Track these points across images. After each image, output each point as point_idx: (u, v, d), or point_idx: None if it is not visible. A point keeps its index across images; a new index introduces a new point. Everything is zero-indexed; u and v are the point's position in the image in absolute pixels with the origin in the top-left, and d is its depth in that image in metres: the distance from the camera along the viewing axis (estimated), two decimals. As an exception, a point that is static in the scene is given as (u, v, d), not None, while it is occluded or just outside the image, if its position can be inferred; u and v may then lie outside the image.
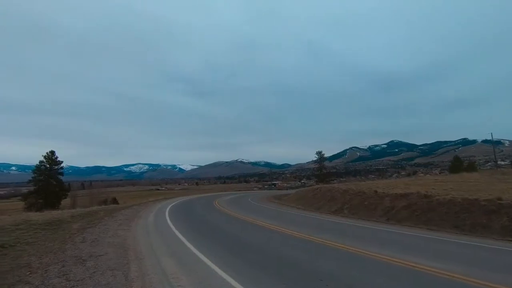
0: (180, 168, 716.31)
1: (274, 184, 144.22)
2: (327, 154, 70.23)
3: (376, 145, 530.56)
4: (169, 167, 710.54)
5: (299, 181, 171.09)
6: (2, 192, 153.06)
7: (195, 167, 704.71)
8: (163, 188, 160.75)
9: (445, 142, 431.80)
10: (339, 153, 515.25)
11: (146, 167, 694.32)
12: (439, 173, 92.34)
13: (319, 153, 61.30)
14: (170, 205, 23.56)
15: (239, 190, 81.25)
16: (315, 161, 62.45)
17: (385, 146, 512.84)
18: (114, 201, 54.13)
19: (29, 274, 5.40)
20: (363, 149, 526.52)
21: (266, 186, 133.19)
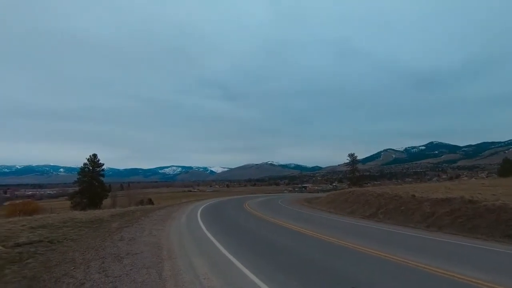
0: (211, 171, 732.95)
1: (305, 187, 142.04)
2: (360, 156, 67.80)
3: (414, 147, 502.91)
4: (201, 170, 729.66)
5: (331, 184, 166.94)
6: (52, 192, 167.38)
7: (226, 169, 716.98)
8: (195, 190, 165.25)
9: (493, 143, 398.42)
10: (373, 155, 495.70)
11: (179, 169, 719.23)
12: (486, 177, 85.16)
13: (351, 155, 59.50)
14: (202, 207, 24.14)
15: (269, 193, 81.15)
16: (347, 164, 60.54)
17: (423, 147, 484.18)
18: (150, 201, 56.71)
19: (73, 268, 5.79)
20: (399, 151, 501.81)
21: (296, 189, 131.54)
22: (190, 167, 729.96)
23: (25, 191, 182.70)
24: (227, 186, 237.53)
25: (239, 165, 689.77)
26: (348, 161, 59.87)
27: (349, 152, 60.66)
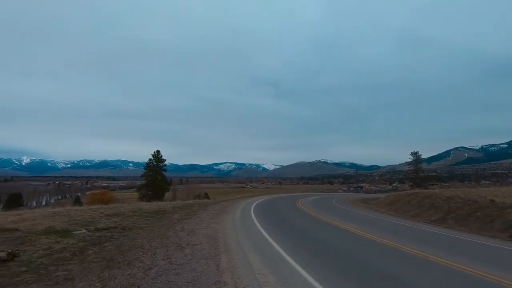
0: (263, 168, 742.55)
1: (361, 187, 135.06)
2: (425, 155, 61.85)
3: (492, 145, 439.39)
4: (254, 166, 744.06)
5: (390, 185, 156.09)
6: (123, 184, 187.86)
7: (278, 166, 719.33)
8: (248, 186, 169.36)
9: None
10: (441, 154, 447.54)
11: (233, 166, 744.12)
12: None
13: (414, 153, 54.52)
14: (255, 203, 24.60)
15: (322, 192, 79.10)
16: (410, 163, 55.59)
17: (504, 146, 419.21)
18: (206, 196, 59.88)
19: (142, 254, 6.40)
20: (473, 149, 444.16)
21: (351, 189, 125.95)
22: (244, 164, 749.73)
23: (101, 182, 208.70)
24: (279, 183, 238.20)
25: (291, 163, 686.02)
26: (411, 160, 54.94)
27: (412, 151, 55.69)
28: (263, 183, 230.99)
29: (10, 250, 5.58)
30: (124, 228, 9.42)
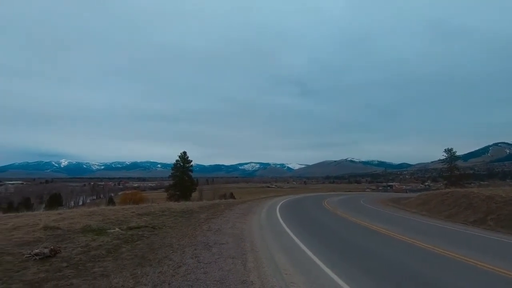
0: (288, 167, 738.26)
1: (390, 186, 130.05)
2: (461, 151, 58.17)
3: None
4: (278, 166, 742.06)
5: (422, 183, 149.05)
6: (152, 185, 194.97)
7: (303, 166, 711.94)
8: (273, 186, 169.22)
9: None
10: (478, 150, 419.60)
11: (258, 165, 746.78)
12: None
13: (448, 150, 51.51)
14: (280, 203, 24.51)
15: (349, 191, 77.16)
16: (443, 161, 52.57)
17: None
18: (232, 196, 60.61)
19: (172, 252, 6.60)
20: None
21: (380, 188, 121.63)
22: (268, 164, 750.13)
23: (132, 183, 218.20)
24: (305, 183, 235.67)
25: (316, 162, 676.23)
26: (445, 157, 51.94)
27: (445, 147, 52.66)
28: (288, 183, 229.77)
29: (52, 247, 5.99)
30: (154, 227, 9.77)
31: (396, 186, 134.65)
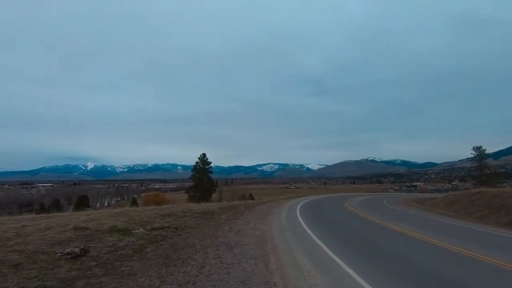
0: (307, 168, 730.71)
1: (415, 186, 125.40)
2: (491, 149, 55.11)
3: None
4: (297, 167, 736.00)
5: (449, 183, 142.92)
6: (173, 186, 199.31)
7: (322, 166, 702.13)
8: (292, 187, 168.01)
9: None
10: (510, 147, 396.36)
11: (276, 166, 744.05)
12: None
13: (477, 148, 48.97)
14: (300, 204, 24.30)
15: (371, 192, 75.26)
16: (472, 159, 50.01)
17: None
18: (251, 197, 60.80)
19: (195, 253, 6.71)
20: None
21: (404, 188, 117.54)
22: (287, 164, 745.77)
23: (154, 185, 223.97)
24: (324, 183, 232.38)
25: (336, 162, 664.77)
26: (473, 155, 49.39)
27: (474, 145, 50.11)
28: (307, 184, 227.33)
29: (82, 246, 6.26)
30: (176, 228, 9.97)
31: (421, 186, 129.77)
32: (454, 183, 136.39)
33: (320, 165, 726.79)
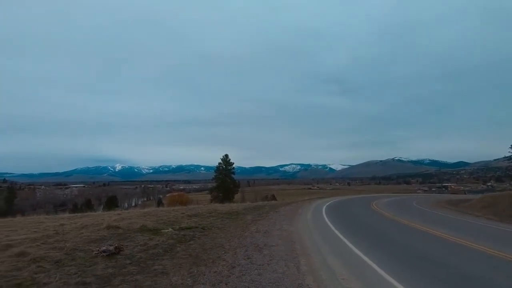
0: (330, 168, 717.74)
1: (445, 187, 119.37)
2: (531, 147, 50.70)
3: None
4: (320, 167, 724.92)
5: (484, 184, 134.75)
6: (196, 187, 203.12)
7: (346, 166, 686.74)
8: (315, 188, 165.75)
9: None
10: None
11: (298, 167, 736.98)
12: None
13: (516, 146, 45.76)
14: (325, 205, 23.82)
15: (398, 193, 72.52)
16: (510, 158, 46.92)
17: None
18: (273, 197, 60.58)
19: (224, 253, 6.71)
20: None
21: (433, 189, 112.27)
22: (309, 165, 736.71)
23: (178, 185, 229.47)
24: (348, 184, 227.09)
25: (360, 162, 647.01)
26: (511, 154, 46.32)
27: (512, 143, 46.85)
28: (330, 184, 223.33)
29: (116, 245, 6.45)
30: (203, 228, 10.06)
31: (452, 187, 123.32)
32: (489, 184, 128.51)
33: (343, 165, 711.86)
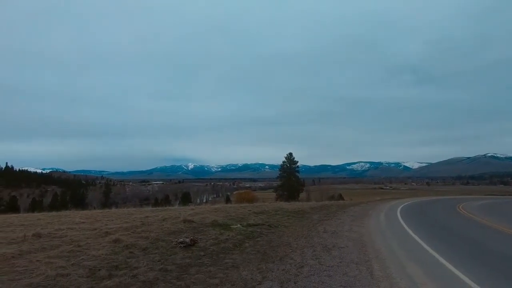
0: (405, 166, 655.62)
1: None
2: None
3: None
4: (392, 165, 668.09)
5: None
6: (261, 185, 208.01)
7: (424, 164, 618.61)
8: (387, 187, 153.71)
9: None
10: None
11: (367, 165, 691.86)
12: None
13: None
14: (400, 206, 21.81)
15: (493, 195, 62.06)
16: None
17: None
18: (340, 197, 58.12)
19: (291, 251, 6.69)
20: None
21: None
22: (380, 163, 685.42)
23: (244, 183, 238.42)
24: (427, 184, 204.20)
25: (442, 160, 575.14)
26: None
27: None
28: (405, 184, 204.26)
29: (192, 237, 7.01)
30: (270, 225, 10.21)
31: None
32: None
33: (420, 163, 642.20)
